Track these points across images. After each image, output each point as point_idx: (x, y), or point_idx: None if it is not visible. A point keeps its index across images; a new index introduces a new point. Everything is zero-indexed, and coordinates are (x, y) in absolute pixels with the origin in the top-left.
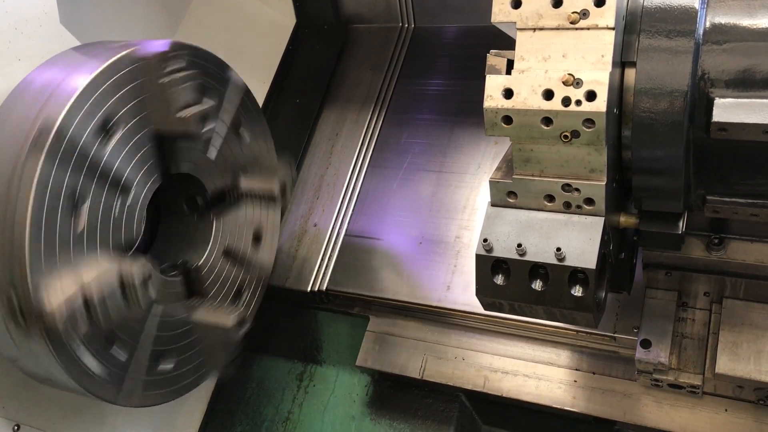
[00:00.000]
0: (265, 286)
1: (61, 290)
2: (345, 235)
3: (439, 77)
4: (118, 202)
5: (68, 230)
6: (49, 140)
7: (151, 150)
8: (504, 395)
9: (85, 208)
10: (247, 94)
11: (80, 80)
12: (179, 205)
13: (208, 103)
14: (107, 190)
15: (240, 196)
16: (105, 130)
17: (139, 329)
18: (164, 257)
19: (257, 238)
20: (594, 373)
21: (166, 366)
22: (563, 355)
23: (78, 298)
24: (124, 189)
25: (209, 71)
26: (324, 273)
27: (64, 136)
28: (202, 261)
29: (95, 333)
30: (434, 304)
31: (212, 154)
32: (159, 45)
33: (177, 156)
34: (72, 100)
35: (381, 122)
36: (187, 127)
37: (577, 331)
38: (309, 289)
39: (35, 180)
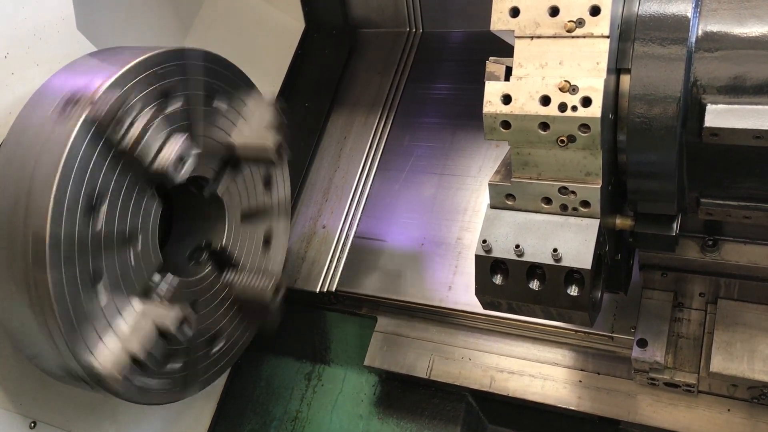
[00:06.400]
0: (289, 220)
1: (108, 355)
2: (353, 236)
3: (445, 81)
4: (132, 253)
5: (95, 306)
6: (47, 257)
7: (141, 195)
8: (510, 395)
9: (103, 281)
10: (209, 60)
11: (48, 181)
12: (188, 193)
13: (179, 135)
14: (117, 251)
15: (238, 159)
16: (92, 207)
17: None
18: (186, 245)
19: (267, 183)
20: (599, 373)
21: (218, 346)
22: (568, 356)
23: (126, 358)
24: (131, 238)
25: (167, 72)
26: (333, 274)
27: (58, 242)
28: (224, 238)
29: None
30: (436, 304)
31: (199, 146)
32: (104, 100)
33: (167, 183)
34: (50, 210)
35: (389, 126)
36: (167, 174)
37: (576, 331)
38: (318, 290)
39: (51, 290)
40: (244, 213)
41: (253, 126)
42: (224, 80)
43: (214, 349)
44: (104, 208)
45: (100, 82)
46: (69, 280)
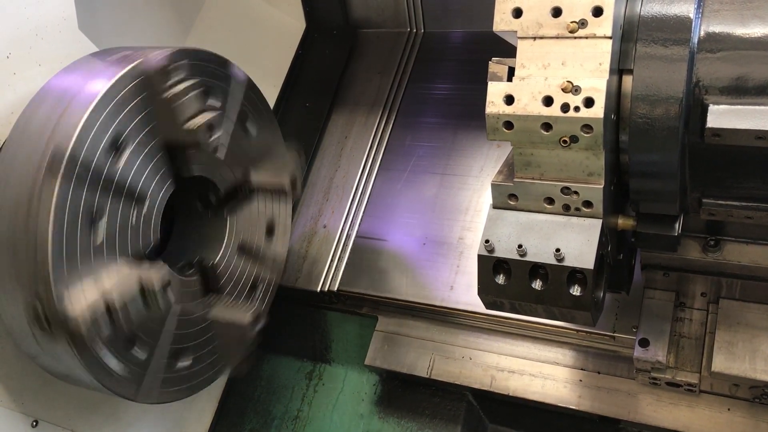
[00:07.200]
0: (279, 279)
1: (83, 298)
2: (354, 236)
3: (447, 81)
4: (135, 212)
5: (88, 243)
6: (63, 166)
7: (162, 160)
8: (510, 394)
9: (103, 222)
10: (251, 88)
11: (86, 102)
12: (193, 205)
13: (213, 108)
14: (123, 202)
15: (251, 190)
16: (116, 147)
17: (159, 329)
18: (180, 256)
19: (270, 232)
20: (599, 373)
21: (184, 363)
22: (568, 355)
23: (100, 304)
24: (139, 199)
25: (211, 71)
26: (333, 273)
27: (76, 159)
28: (217, 258)
29: (117, 336)
30: (437, 303)
31: (221, 154)
32: (159, 58)
33: (188, 162)
34: (80, 124)
35: (391, 126)
36: (195, 138)
37: (578, 331)
38: (318, 289)
39: (53, 201)
40: (241, 246)
41: (272, 163)
42: (257, 111)
43: (179, 365)
44: (126, 154)
45: (159, 49)
46: (74, 200)
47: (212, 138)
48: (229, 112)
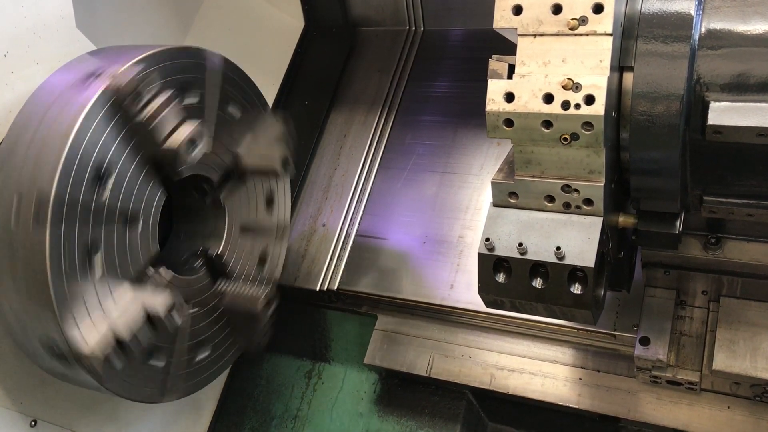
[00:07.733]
0: (286, 245)
1: (94, 333)
2: (354, 235)
3: (447, 79)
4: (130, 234)
5: (88, 278)
6: (49, 212)
7: (148, 175)
8: (510, 393)
9: (100, 254)
10: (229, 69)
11: (63, 140)
12: (189, 198)
13: (192, 113)
14: (117, 228)
15: (244, 171)
16: (99, 177)
17: (174, 334)
18: (183, 249)
19: (269, 202)
20: (599, 371)
21: (203, 354)
22: (568, 353)
23: (110, 339)
24: (132, 219)
25: (184, 67)
26: (333, 272)
27: (62, 200)
28: (221, 246)
29: (132, 359)
30: (437, 302)
31: (207, 148)
32: (126, 77)
33: (175, 167)
34: (60, 166)
35: (390, 124)
36: (177, 155)
37: (578, 329)
38: (318, 288)
39: (47, 249)
40: (243, 226)
41: (260, 141)
42: (239, 90)
43: (198, 357)
44: (111, 181)
45: (125, 59)
46: (67, 242)
47: (194, 152)
48: (210, 101)
